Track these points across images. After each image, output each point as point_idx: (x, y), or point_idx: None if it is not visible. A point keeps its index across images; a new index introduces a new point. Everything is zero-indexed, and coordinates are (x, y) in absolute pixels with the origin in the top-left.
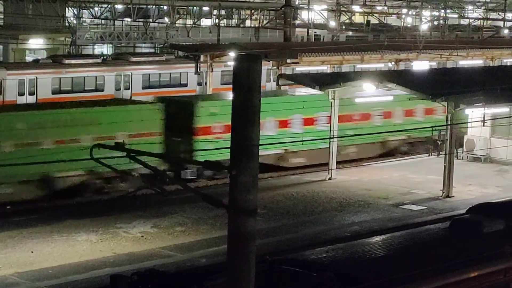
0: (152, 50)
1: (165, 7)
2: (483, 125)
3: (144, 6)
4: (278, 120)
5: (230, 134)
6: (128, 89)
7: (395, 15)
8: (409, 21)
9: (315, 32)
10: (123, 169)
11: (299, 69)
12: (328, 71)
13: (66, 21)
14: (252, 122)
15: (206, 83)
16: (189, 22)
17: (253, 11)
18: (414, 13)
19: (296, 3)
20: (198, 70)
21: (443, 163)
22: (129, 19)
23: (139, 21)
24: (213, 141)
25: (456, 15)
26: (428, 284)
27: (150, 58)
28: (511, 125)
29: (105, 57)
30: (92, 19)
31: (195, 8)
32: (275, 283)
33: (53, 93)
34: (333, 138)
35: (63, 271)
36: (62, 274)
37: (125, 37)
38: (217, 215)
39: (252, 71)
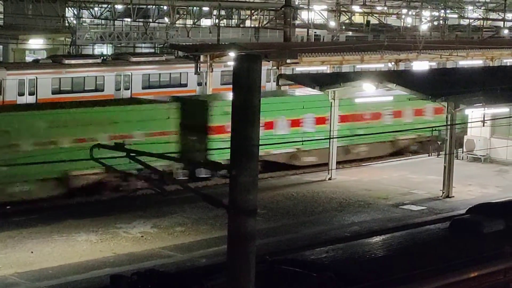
0: (152, 50)
1: (165, 7)
2: (483, 125)
3: (144, 6)
4: (290, 119)
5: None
6: (128, 89)
7: (395, 15)
8: (409, 21)
9: (315, 32)
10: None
11: (299, 69)
12: (328, 71)
13: (66, 21)
14: (252, 122)
15: (206, 83)
16: (189, 22)
17: (253, 11)
18: (414, 13)
19: (296, 3)
20: (198, 70)
21: (443, 163)
22: (129, 19)
23: (139, 21)
24: (227, 140)
25: (456, 15)
26: (428, 284)
27: (150, 58)
28: (511, 125)
29: (105, 57)
30: (92, 19)
31: (195, 8)
32: (275, 283)
33: (53, 93)
34: (333, 138)
35: (63, 271)
36: (62, 274)
37: (125, 37)
38: (217, 215)
39: (252, 71)
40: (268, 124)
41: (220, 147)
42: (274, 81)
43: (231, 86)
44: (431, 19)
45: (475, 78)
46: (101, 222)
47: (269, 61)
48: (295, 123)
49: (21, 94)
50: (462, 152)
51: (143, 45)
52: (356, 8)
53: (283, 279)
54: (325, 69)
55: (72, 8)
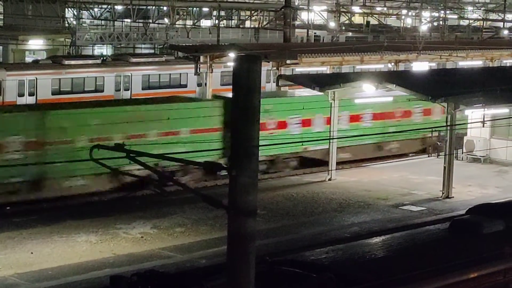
0: (152, 51)
1: (165, 8)
2: (483, 126)
3: (144, 7)
4: (326, 117)
5: (282, 130)
6: (128, 89)
7: (395, 16)
8: (408, 22)
9: (314, 33)
10: None
11: (299, 70)
12: (328, 72)
13: (66, 22)
14: (252, 122)
15: (206, 84)
16: (189, 23)
17: (252, 12)
18: (413, 14)
19: (296, 4)
20: (198, 71)
21: (443, 164)
22: (128, 20)
23: (138, 22)
24: (267, 137)
25: (455, 16)
26: (428, 285)
27: (150, 59)
28: (511, 126)
29: (104, 58)
30: (92, 20)
31: (194, 9)
32: (275, 284)
33: (52, 93)
34: (333, 138)
35: (62, 272)
36: (62, 275)
37: (125, 37)
38: (217, 216)
39: (252, 72)
40: (305, 122)
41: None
42: (274, 82)
43: (231, 86)
44: (431, 19)
45: (475, 79)
46: (100, 223)
47: (269, 62)
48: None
49: (20, 94)
50: (462, 153)
51: (143, 45)
52: (356, 8)
53: (283, 279)
54: (325, 69)
55: (72, 9)
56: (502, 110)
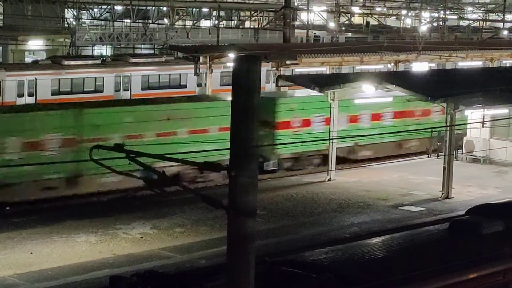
0: (152, 51)
1: (165, 8)
2: (482, 127)
3: (144, 7)
4: (349, 116)
5: (306, 128)
6: (128, 90)
7: (395, 16)
8: (408, 22)
9: (314, 33)
10: None
11: (299, 70)
12: (328, 72)
13: (66, 22)
14: (252, 123)
15: (205, 84)
16: (189, 23)
17: (252, 12)
18: (413, 14)
19: (296, 4)
20: (198, 71)
21: (443, 164)
22: (128, 20)
23: (138, 22)
24: (293, 135)
25: (455, 17)
26: (427, 285)
27: (150, 59)
28: (510, 127)
29: (104, 58)
30: (92, 20)
31: (194, 9)
32: (275, 284)
33: (52, 94)
34: (333, 138)
35: (62, 272)
36: (62, 275)
37: (125, 38)
38: (217, 216)
39: (252, 72)
40: (329, 120)
41: (287, 141)
42: (273, 82)
43: (230, 87)
44: (430, 20)
45: (474, 79)
46: (100, 223)
47: (268, 62)
48: (353, 119)
49: (20, 95)
50: (462, 153)
51: (142, 46)
52: (355, 9)
53: (283, 280)
54: (325, 70)
55: (72, 9)
56: (502, 111)
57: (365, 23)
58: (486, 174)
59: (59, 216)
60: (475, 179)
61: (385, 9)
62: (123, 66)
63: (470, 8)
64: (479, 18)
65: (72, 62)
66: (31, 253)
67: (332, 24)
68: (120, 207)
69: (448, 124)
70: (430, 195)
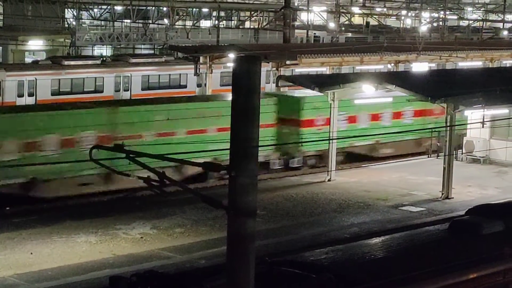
0: (152, 52)
1: (165, 9)
2: (482, 127)
3: (144, 8)
4: (371, 114)
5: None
6: (128, 90)
7: (395, 17)
8: (408, 22)
9: (314, 34)
10: None
11: (299, 70)
12: (328, 73)
13: (66, 22)
14: (252, 123)
15: (205, 85)
16: (189, 23)
17: (252, 12)
18: (413, 14)
19: (296, 4)
20: (198, 71)
21: (443, 164)
22: (128, 21)
23: (138, 23)
24: (317, 133)
25: (455, 17)
26: (427, 285)
27: (150, 60)
28: (511, 127)
29: (104, 59)
30: (92, 21)
31: (194, 9)
32: (275, 284)
33: (52, 94)
34: (333, 139)
35: (62, 273)
36: (61, 275)
37: (125, 38)
38: (217, 217)
39: (252, 72)
40: (351, 118)
41: (311, 139)
42: (273, 82)
43: (230, 87)
44: (430, 20)
45: (474, 80)
46: (100, 223)
47: (268, 63)
48: (375, 117)
49: (20, 95)
50: (462, 154)
51: (142, 46)
52: (355, 9)
53: (283, 280)
54: (325, 70)
55: (72, 9)
56: (502, 111)
57: (365, 24)
58: (486, 174)
59: (59, 216)
60: (475, 179)
61: (385, 9)
62: (123, 66)
63: (470, 9)
64: (479, 18)
65: (72, 62)
66: (31, 253)
67: (332, 24)
68: (120, 207)
69: (448, 124)
70: (430, 195)
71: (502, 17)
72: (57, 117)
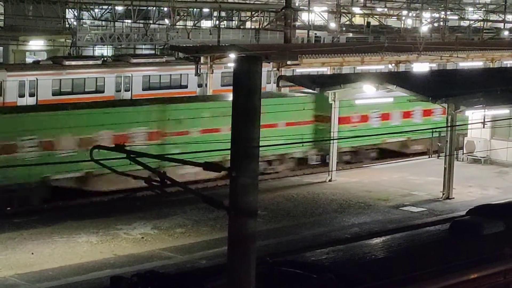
0: (152, 52)
1: (166, 9)
2: (483, 127)
3: (145, 8)
4: (403, 112)
5: (364, 123)
6: (128, 90)
7: (395, 17)
8: (409, 22)
9: (315, 34)
10: None
11: (299, 70)
12: (328, 73)
13: (67, 23)
14: (253, 123)
15: (206, 85)
16: (190, 23)
17: (253, 12)
18: (414, 14)
19: (297, 4)
20: (199, 71)
21: (443, 164)
22: (129, 21)
23: (139, 23)
24: (353, 130)
25: (456, 17)
26: (428, 285)
27: (150, 60)
28: (511, 127)
29: (105, 59)
30: (93, 21)
31: (195, 9)
32: (276, 284)
33: (53, 94)
34: (333, 139)
35: (63, 273)
36: (62, 275)
37: (126, 38)
38: (218, 217)
39: (253, 72)
40: (384, 116)
41: (347, 136)
42: (274, 83)
43: (231, 87)
44: (431, 20)
45: (475, 80)
46: (101, 224)
47: (269, 63)
48: (407, 114)
49: (21, 95)
50: (462, 154)
51: (143, 46)
52: (356, 9)
53: (284, 280)
54: (326, 70)
55: (73, 10)
56: (503, 111)
57: (366, 24)
58: (487, 175)
59: (60, 216)
60: (476, 180)
61: (386, 9)
62: (124, 66)
63: (471, 9)
64: (480, 18)
65: (73, 63)
66: (32, 253)
67: (333, 25)
68: (121, 208)
69: (449, 124)
70: (430, 196)
71: (503, 17)
72: (111, 114)
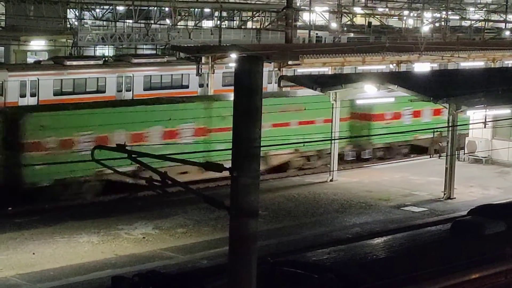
0: (154, 52)
1: (167, 9)
2: (485, 127)
3: (146, 8)
4: (433, 109)
5: (397, 120)
6: (130, 90)
7: (397, 17)
8: (410, 22)
9: (316, 34)
10: None
11: (301, 70)
12: (330, 73)
13: (68, 23)
14: (254, 123)
15: (207, 85)
16: (191, 23)
17: (254, 12)
18: (415, 14)
19: (298, 4)
20: (200, 71)
21: (444, 164)
22: (130, 21)
23: (140, 23)
24: (387, 127)
25: (457, 17)
26: (429, 285)
27: (152, 60)
28: None
29: (106, 59)
30: (94, 21)
31: (196, 9)
32: (277, 284)
33: (54, 94)
34: (334, 139)
35: (64, 273)
36: (64, 275)
37: (127, 38)
38: (219, 217)
39: (254, 73)
40: (416, 113)
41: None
42: (275, 83)
43: (232, 87)
44: (432, 20)
45: (476, 80)
46: (102, 224)
47: (270, 63)
48: (437, 112)
49: (22, 95)
50: (464, 154)
51: (144, 46)
52: (357, 9)
53: (285, 280)
54: (327, 70)
55: (74, 10)
56: (504, 111)
57: (367, 24)
58: (488, 175)
59: (61, 216)
60: (477, 180)
61: (387, 9)
62: (125, 66)
63: (472, 9)
64: (481, 18)
65: (74, 63)
66: (33, 253)
67: (334, 25)
68: (122, 208)
69: (450, 124)
70: (432, 196)
71: (504, 17)
72: (161, 111)
